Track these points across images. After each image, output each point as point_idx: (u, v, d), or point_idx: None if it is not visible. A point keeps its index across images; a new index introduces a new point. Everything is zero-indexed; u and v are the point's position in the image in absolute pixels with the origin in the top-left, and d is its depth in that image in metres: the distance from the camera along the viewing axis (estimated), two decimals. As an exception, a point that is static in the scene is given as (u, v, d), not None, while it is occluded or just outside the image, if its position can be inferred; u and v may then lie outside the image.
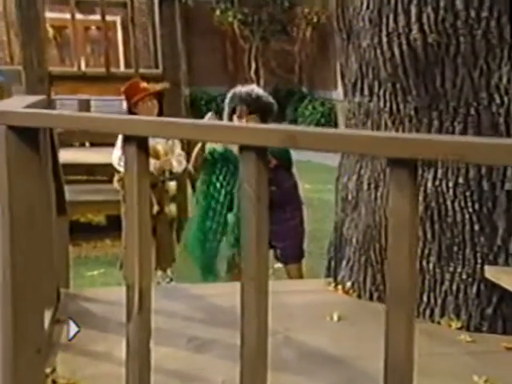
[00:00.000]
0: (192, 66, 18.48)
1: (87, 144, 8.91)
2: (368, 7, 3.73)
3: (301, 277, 4.87)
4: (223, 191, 4.58)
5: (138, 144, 2.40)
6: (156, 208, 5.51)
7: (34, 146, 2.77)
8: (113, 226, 6.53)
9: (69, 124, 2.65)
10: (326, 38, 17.67)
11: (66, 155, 7.82)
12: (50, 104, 7.14)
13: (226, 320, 3.61)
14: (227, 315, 3.71)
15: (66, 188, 7.37)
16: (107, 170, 5.76)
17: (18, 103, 3.26)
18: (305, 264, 5.08)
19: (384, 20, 3.64)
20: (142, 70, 7.38)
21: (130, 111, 5.60)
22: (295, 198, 4.88)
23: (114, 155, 5.46)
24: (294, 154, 5.07)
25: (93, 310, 3.87)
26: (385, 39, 3.65)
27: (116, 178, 5.53)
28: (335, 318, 3.73)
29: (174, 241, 5.88)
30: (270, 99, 4.72)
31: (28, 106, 2.99)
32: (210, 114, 4.48)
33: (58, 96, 8.50)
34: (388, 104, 3.78)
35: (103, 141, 7.82)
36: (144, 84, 5.59)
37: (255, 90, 4.70)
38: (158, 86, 5.73)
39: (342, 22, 4.05)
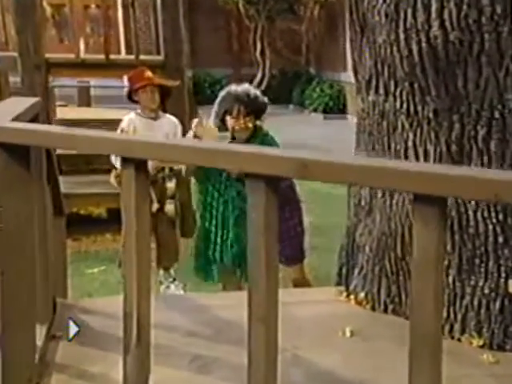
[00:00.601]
0: (195, 47, 18.10)
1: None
2: (384, 1, 3.47)
3: (303, 278, 4.64)
4: (221, 200, 4.35)
5: (137, 166, 2.17)
6: (156, 206, 5.29)
7: (23, 162, 2.54)
8: (114, 219, 6.23)
9: (61, 143, 2.42)
10: (335, 17, 17.25)
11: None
12: (46, 90, 6.90)
13: (233, 336, 3.40)
14: (234, 330, 3.50)
15: (64, 179, 7.16)
16: (107, 159, 5.48)
17: (10, 109, 3.02)
18: (310, 261, 4.86)
19: (402, 15, 3.39)
20: (143, 57, 7.11)
21: (131, 97, 5.38)
22: (293, 198, 4.64)
23: None
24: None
25: (90, 323, 3.65)
26: (402, 36, 3.41)
27: (113, 173, 5.30)
28: (347, 333, 3.50)
29: (177, 239, 5.65)
30: (265, 99, 4.48)
31: (18, 118, 2.76)
32: (195, 121, 4.19)
33: (56, 83, 8.27)
34: (405, 105, 3.53)
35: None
36: (149, 73, 5.35)
37: (251, 89, 4.45)
38: (166, 81, 5.47)
39: (355, 14, 3.78)
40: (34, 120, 3.32)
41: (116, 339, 3.20)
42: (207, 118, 4.32)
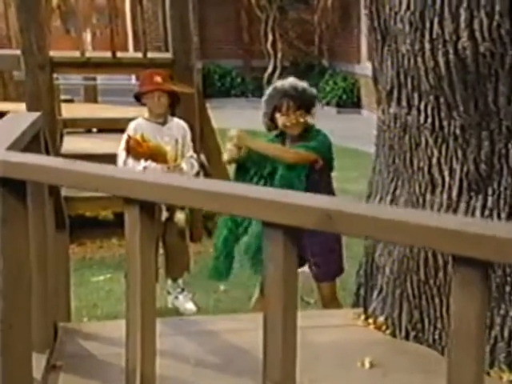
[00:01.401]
0: (204, 38, 17.82)
1: (94, 130, 8.47)
2: (408, 8, 3.22)
3: (333, 298, 4.35)
4: None
5: (142, 207, 1.95)
6: (165, 214, 5.06)
7: (20, 195, 2.32)
8: (120, 223, 6.03)
9: (60, 180, 2.19)
10: (349, 7, 16.88)
11: (70, 145, 7.39)
12: (51, 90, 6.68)
13: (245, 366, 3.19)
14: (245, 359, 3.29)
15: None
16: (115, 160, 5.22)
17: (7, 132, 2.80)
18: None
19: (427, 24, 3.14)
20: (150, 55, 6.86)
21: (138, 98, 5.15)
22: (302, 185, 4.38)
23: (119, 156, 5.01)
24: None
25: (94, 351, 3.43)
26: (428, 46, 3.16)
27: None
28: (367, 364, 3.27)
29: (187, 250, 5.43)
30: (314, 91, 4.29)
31: (15, 145, 2.54)
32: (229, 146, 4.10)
33: (61, 80, 8.05)
34: (429, 119, 3.29)
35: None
36: (158, 78, 5.11)
37: (298, 82, 4.24)
38: (176, 87, 5.24)
39: (376, 21, 3.54)
40: (34, 140, 3.12)
41: (120, 370, 3.00)
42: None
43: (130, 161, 4.93)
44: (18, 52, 6.48)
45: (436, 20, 3.10)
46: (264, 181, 4.14)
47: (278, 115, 4.15)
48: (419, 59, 3.23)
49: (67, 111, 8.05)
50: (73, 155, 7.11)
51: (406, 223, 1.59)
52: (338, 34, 17.64)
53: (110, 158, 5.40)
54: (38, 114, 3.27)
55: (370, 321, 3.68)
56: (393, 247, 3.57)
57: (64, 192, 4.30)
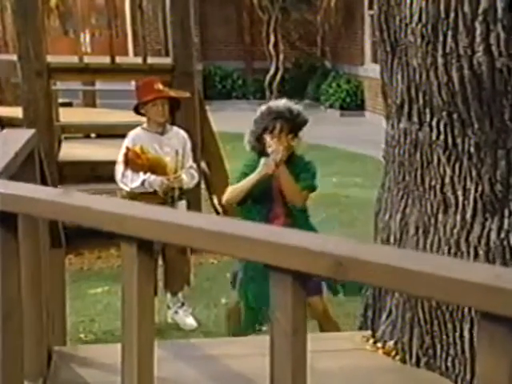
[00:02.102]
0: (205, 39, 17.63)
1: (93, 135, 8.31)
2: (420, 20, 3.07)
3: (324, 312, 4.22)
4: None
5: (140, 245, 1.80)
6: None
7: (10, 228, 2.17)
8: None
9: (54, 214, 2.03)
10: (352, 7, 16.67)
11: (67, 152, 7.24)
12: (48, 97, 6.51)
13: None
14: (248, 387, 3.13)
15: (66, 188, 6.77)
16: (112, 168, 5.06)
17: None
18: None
19: (440, 37, 3.00)
20: (150, 61, 6.69)
21: (137, 110, 4.99)
22: (311, 225, 4.26)
23: (117, 169, 4.86)
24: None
25: (89, 379, 3.27)
26: (440, 60, 3.02)
27: (118, 195, 4.94)
28: (377, 394, 3.12)
29: (188, 263, 5.28)
30: (307, 115, 4.15)
31: (7, 169, 2.39)
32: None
33: (60, 86, 7.90)
34: (442, 136, 3.14)
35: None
36: (159, 85, 4.95)
37: (293, 104, 4.09)
38: (177, 93, 5.08)
39: (385, 32, 3.38)
40: (29, 160, 2.98)
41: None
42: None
43: (129, 173, 4.78)
44: (15, 57, 6.33)
45: (450, 33, 2.96)
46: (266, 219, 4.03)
47: (267, 137, 3.99)
48: (431, 74, 3.08)
49: (65, 116, 7.89)
50: (71, 162, 7.00)
51: (426, 275, 1.44)
52: (342, 34, 17.42)
53: (109, 165, 5.28)
54: (31, 131, 3.11)
55: (379, 345, 3.52)
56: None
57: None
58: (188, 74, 6.55)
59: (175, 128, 5.19)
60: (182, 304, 5.22)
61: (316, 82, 17.28)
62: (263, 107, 4.09)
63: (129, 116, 6.72)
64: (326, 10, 17.35)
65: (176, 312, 5.23)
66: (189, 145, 5.12)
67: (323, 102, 16.62)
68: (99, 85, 10.51)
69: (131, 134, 4.97)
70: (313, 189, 4.11)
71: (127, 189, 4.85)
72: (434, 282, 1.42)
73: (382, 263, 1.46)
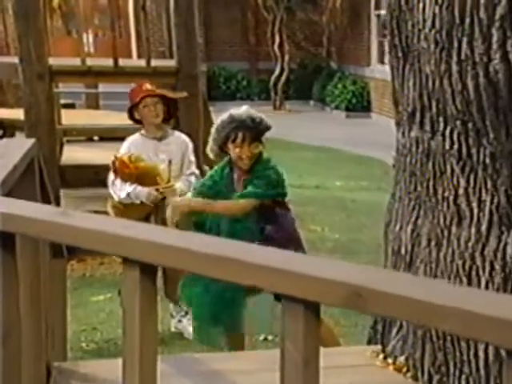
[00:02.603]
0: (210, 40, 17.52)
1: (96, 138, 8.21)
2: (434, 25, 2.96)
3: (326, 328, 4.09)
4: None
5: (142, 269, 1.69)
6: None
7: (8, 248, 2.06)
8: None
9: (53, 235, 1.92)
10: (358, 7, 16.54)
11: (70, 155, 7.14)
12: (50, 100, 6.41)
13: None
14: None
15: (68, 192, 6.67)
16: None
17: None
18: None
19: (455, 44, 2.88)
20: (154, 63, 6.58)
21: (132, 117, 4.88)
22: (296, 235, 4.14)
23: (108, 177, 4.78)
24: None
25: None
26: (455, 67, 2.90)
27: (109, 203, 4.83)
28: (387, 412, 3.01)
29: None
30: (269, 122, 4.03)
31: (5, 182, 2.28)
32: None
33: (62, 89, 7.80)
34: (456, 146, 3.03)
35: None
36: (147, 85, 4.84)
37: (254, 112, 4.00)
38: (168, 92, 4.96)
39: (397, 38, 3.27)
40: (28, 170, 2.89)
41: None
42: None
43: (118, 182, 4.71)
44: (16, 60, 6.22)
45: (465, 40, 2.85)
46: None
47: (230, 145, 3.91)
48: (445, 81, 2.97)
49: (67, 118, 7.78)
50: (73, 166, 6.89)
51: (452, 309, 1.33)
52: (347, 35, 17.30)
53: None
54: (31, 141, 3.01)
55: (390, 361, 3.40)
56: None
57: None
58: (193, 77, 6.44)
59: (176, 133, 5.08)
60: (186, 313, 5.10)
61: (321, 82, 17.13)
62: (224, 115, 3.98)
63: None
64: (332, 10, 17.23)
65: (180, 321, 5.14)
66: (190, 150, 5.01)
67: (329, 103, 16.49)
68: (102, 87, 10.40)
69: (128, 140, 4.89)
70: (257, 197, 3.91)
71: (116, 198, 4.77)
72: (460, 317, 1.31)
73: (407, 296, 1.36)
